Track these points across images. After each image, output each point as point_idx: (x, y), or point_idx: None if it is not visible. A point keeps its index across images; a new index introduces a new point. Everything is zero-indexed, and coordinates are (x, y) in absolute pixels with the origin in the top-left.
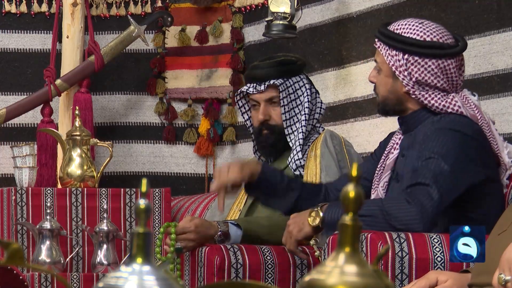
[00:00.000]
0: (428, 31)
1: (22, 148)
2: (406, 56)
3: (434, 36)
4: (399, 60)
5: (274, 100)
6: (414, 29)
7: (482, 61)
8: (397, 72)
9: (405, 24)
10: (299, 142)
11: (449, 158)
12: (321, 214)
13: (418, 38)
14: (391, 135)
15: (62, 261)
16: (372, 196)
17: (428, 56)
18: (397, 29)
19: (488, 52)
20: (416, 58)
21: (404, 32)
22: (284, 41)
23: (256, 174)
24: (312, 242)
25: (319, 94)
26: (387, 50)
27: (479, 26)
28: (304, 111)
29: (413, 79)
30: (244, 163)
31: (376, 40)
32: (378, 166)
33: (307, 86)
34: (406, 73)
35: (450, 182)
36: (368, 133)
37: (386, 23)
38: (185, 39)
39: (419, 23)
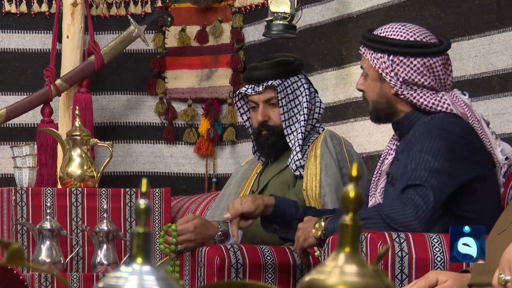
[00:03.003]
0: (411, 31)
1: (22, 148)
2: (391, 57)
3: (418, 36)
4: (384, 62)
5: (272, 101)
6: (397, 31)
7: (482, 61)
8: (383, 74)
9: (388, 28)
10: (298, 142)
11: (439, 157)
12: (323, 226)
13: (401, 38)
14: None
15: (62, 261)
16: (370, 203)
17: (413, 55)
18: (381, 33)
19: (488, 52)
20: (401, 58)
21: (388, 35)
22: (284, 41)
23: (270, 207)
24: (317, 253)
25: (317, 94)
26: (372, 53)
27: (479, 26)
28: (303, 111)
29: (400, 79)
30: (257, 195)
31: (361, 46)
32: (374, 173)
33: (306, 86)
34: (392, 74)
35: (443, 180)
36: (368, 133)
37: (369, 30)
38: (185, 39)
39: (402, 25)
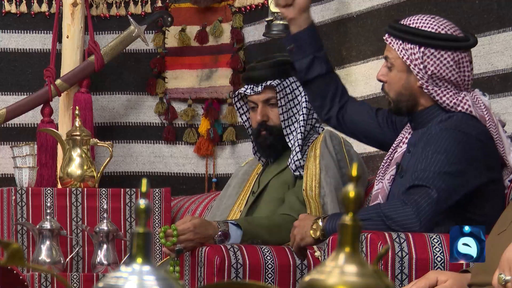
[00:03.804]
0: (442, 24)
1: (22, 148)
2: (422, 49)
3: (448, 29)
4: (414, 54)
5: (271, 101)
6: (428, 23)
7: (482, 61)
8: (412, 66)
9: (418, 19)
10: (298, 142)
11: (453, 159)
12: (321, 226)
13: (433, 31)
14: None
15: (62, 261)
16: (375, 188)
17: (444, 48)
18: (410, 23)
19: (488, 52)
20: (432, 50)
21: (419, 26)
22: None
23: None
24: (317, 254)
25: None
26: (400, 44)
27: (479, 26)
28: (302, 111)
29: (428, 72)
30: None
31: (386, 35)
32: (385, 159)
33: None
34: (421, 66)
35: (451, 183)
36: None
37: (395, 19)
38: (185, 39)
39: (432, 17)
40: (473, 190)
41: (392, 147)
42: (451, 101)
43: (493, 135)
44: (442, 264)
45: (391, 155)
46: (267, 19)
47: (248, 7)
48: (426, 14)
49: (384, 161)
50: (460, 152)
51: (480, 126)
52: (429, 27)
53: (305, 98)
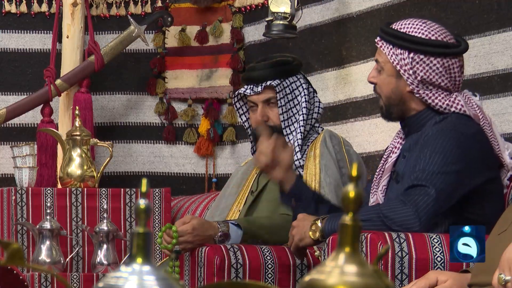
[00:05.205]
0: (432, 30)
1: (22, 148)
2: (411, 55)
3: (439, 36)
4: (404, 59)
5: (271, 101)
6: (418, 28)
7: (482, 61)
8: (401, 71)
9: (409, 24)
10: (297, 142)
11: (451, 159)
12: (320, 227)
13: (423, 37)
14: None
15: (62, 261)
16: (371, 201)
17: (434, 54)
18: (401, 28)
19: (488, 52)
20: (421, 56)
21: (409, 31)
22: (284, 41)
23: (289, 183)
24: (317, 253)
25: (316, 94)
26: (390, 49)
27: (479, 26)
28: (302, 111)
29: (418, 77)
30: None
31: (378, 39)
32: (377, 171)
33: (304, 86)
34: (411, 72)
35: (450, 183)
36: (368, 133)
37: (388, 23)
38: (185, 39)
39: (423, 23)
40: (472, 190)
41: (383, 159)
42: (443, 103)
43: (487, 134)
44: (442, 264)
45: (383, 166)
46: (267, 19)
47: (248, 7)
48: (419, 18)
49: (376, 173)
50: (458, 152)
51: (475, 125)
52: (419, 32)
53: (305, 98)
